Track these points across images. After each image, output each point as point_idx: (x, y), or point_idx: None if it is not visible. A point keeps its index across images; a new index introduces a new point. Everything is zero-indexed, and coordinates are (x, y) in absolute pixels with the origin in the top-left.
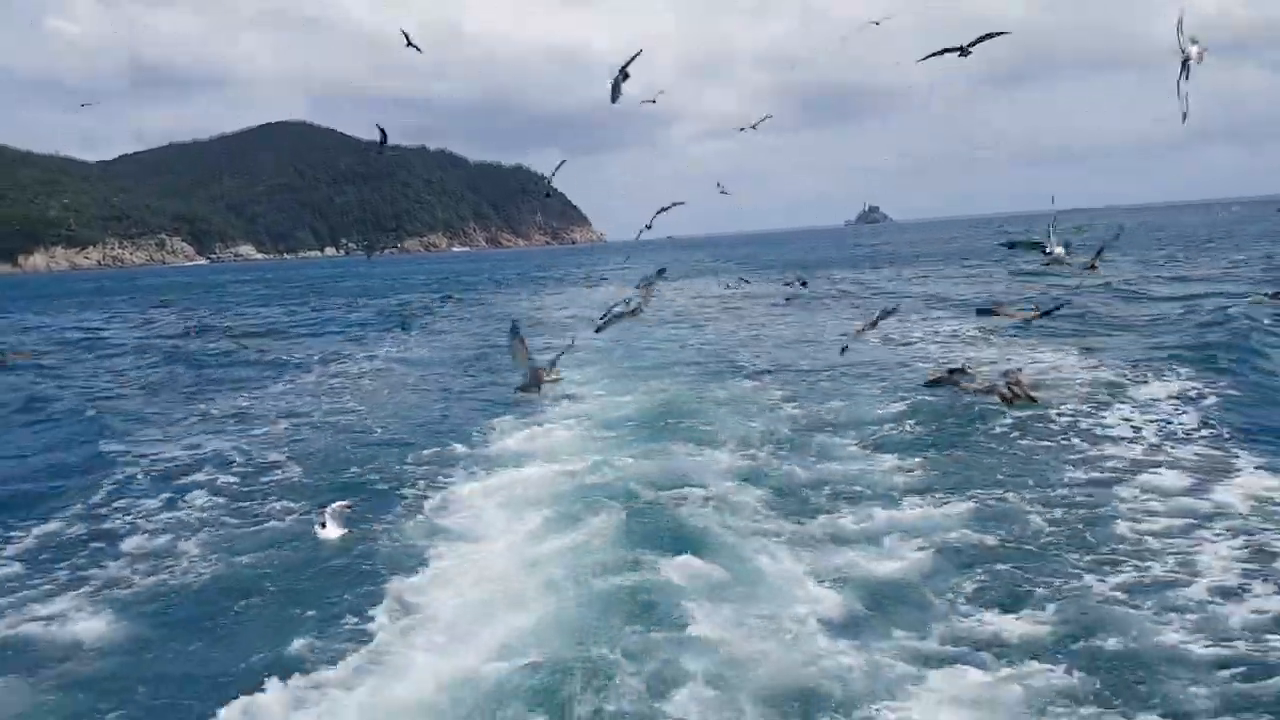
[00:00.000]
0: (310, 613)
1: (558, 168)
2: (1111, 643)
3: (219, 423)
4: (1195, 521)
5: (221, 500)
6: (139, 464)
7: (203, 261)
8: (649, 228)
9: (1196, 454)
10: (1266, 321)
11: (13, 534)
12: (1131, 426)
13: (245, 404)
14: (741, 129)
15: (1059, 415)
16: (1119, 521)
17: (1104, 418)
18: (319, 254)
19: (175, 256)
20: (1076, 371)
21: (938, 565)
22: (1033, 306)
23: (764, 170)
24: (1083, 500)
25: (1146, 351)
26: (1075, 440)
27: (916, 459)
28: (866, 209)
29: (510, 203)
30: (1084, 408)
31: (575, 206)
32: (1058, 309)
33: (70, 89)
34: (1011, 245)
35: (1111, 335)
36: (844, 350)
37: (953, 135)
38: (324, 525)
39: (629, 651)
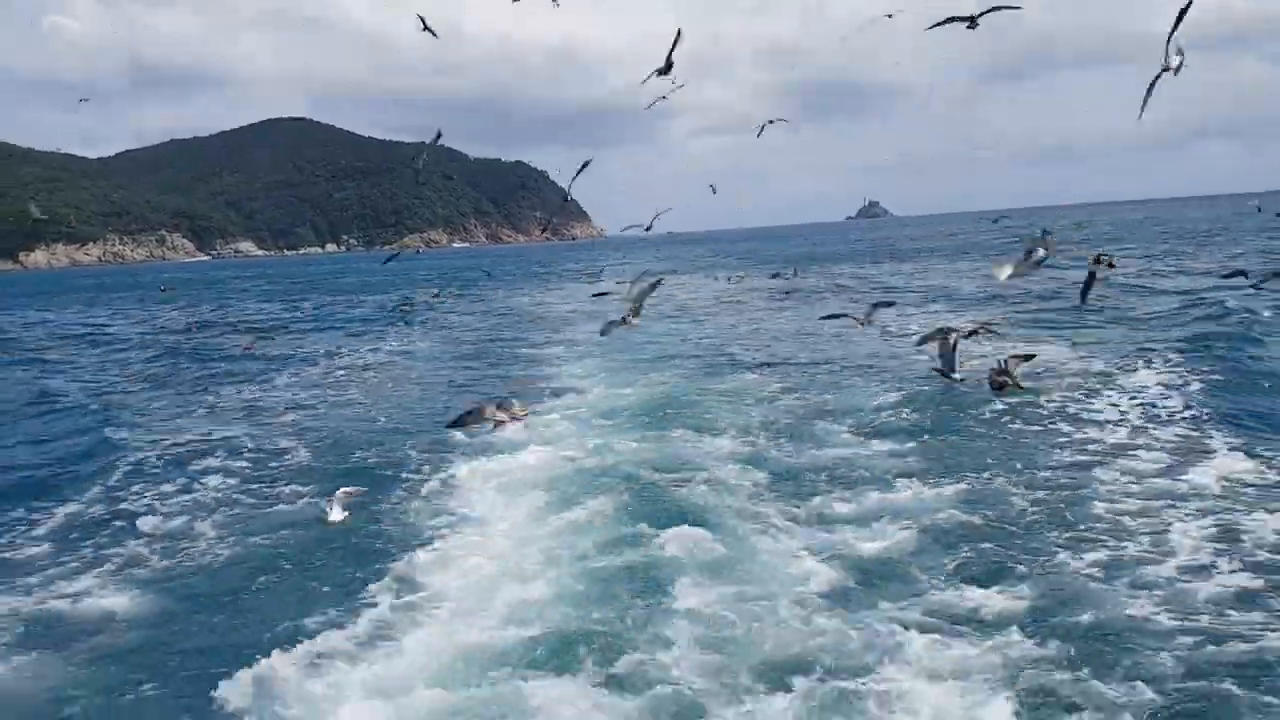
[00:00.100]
0: (323, 589)
1: (580, 170)
2: (1085, 615)
3: (228, 413)
4: (1169, 502)
5: (234, 484)
6: (152, 452)
7: (203, 258)
8: (647, 230)
9: (1176, 438)
10: (1266, 314)
11: (36, 516)
12: (1118, 412)
13: (252, 395)
14: (762, 126)
15: (1048, 402)
16: (1097, 502)
17: (1091, 404)
18: (319, 250)
19: (176, 253)
20: (1068, 361)
21: (925, 543)
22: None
23: (765, 166)
24: (1065, 482)
25: (1141, 342)
26: (1062, 425)
27: (909, 444)
28: (867, 204)
29: (510, 199)
30: (1073, 395)
31: (575, 202)
32: (987, 325)
33: (70, 87)
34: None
35: (1106, 327)
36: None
37: (953, 131)
38: (331, 509)
39: (628, 622)
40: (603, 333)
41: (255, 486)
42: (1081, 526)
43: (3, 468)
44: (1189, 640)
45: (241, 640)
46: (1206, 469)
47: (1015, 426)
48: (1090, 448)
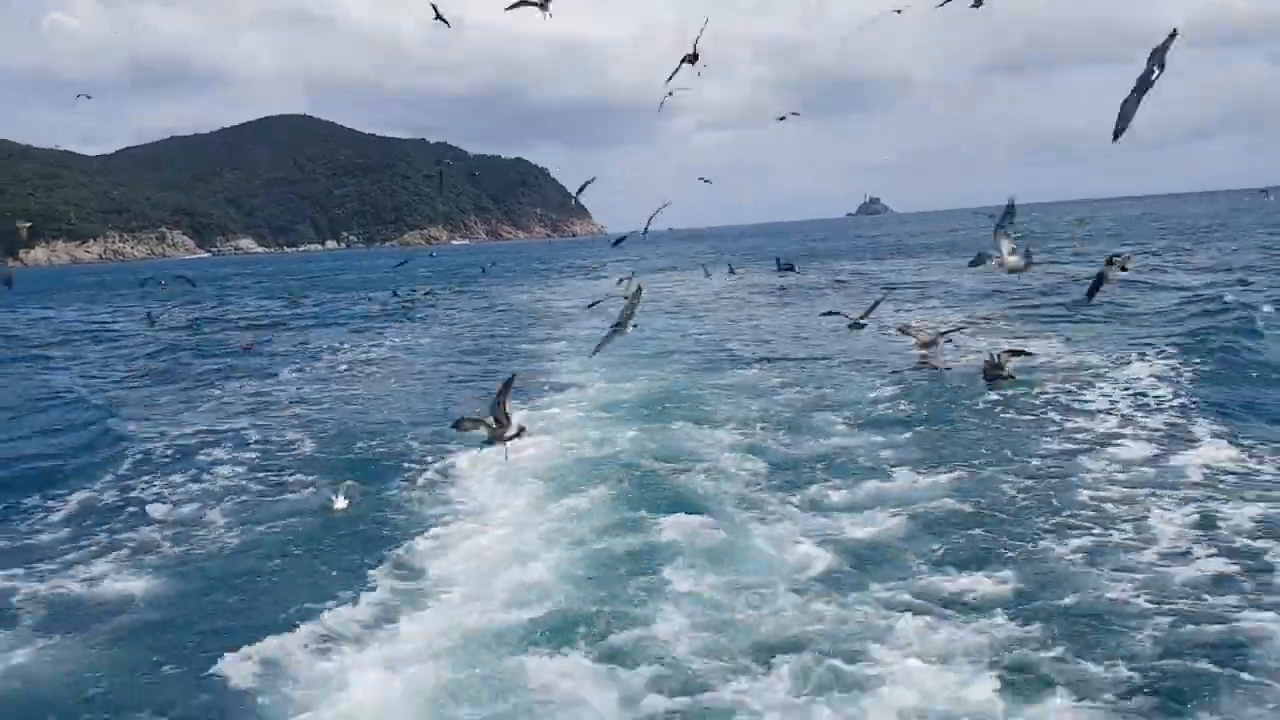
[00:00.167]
0: (331, 573)
1: (584, 186)
2: (1067, 598)
3: (233, 406)
4: (1153, 490)
5: (241, 473)
6: (160, 444)
7: (204, 255)
8: (645, 234)
9: (1164, 428)
10: (1267, 309)
11: (50, 504)
12: (1109, 403)
13: (256, 390)
14: (780, 118)
15: (1041, 394)
16: (1083, 490)
17: (1083, 395)
18: (319, 247)
19: (176, 250)
20: (1063, 355)
21: (916, 530)
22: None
23: (766, 163)
24: (1053, 470)
25: (1137, 336)
26: (1053, 415)
27: (904, 434)
28: (868, 200)
29: (511, 195)
30: (1066, 387)
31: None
32: (958, 330)
33: (70, 84)
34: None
35: (1103, 322)
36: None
37: (954, 127)
38: (337, 498)
39: (627, 604)
40: (593, 353)
41: (262, 475)
42: (1067, 513)
43: (14, 458)
44: (1166, 622)
45: (253, 622)
46: (1191, 458)
47: (1008, 417)
48: (1079, 437)
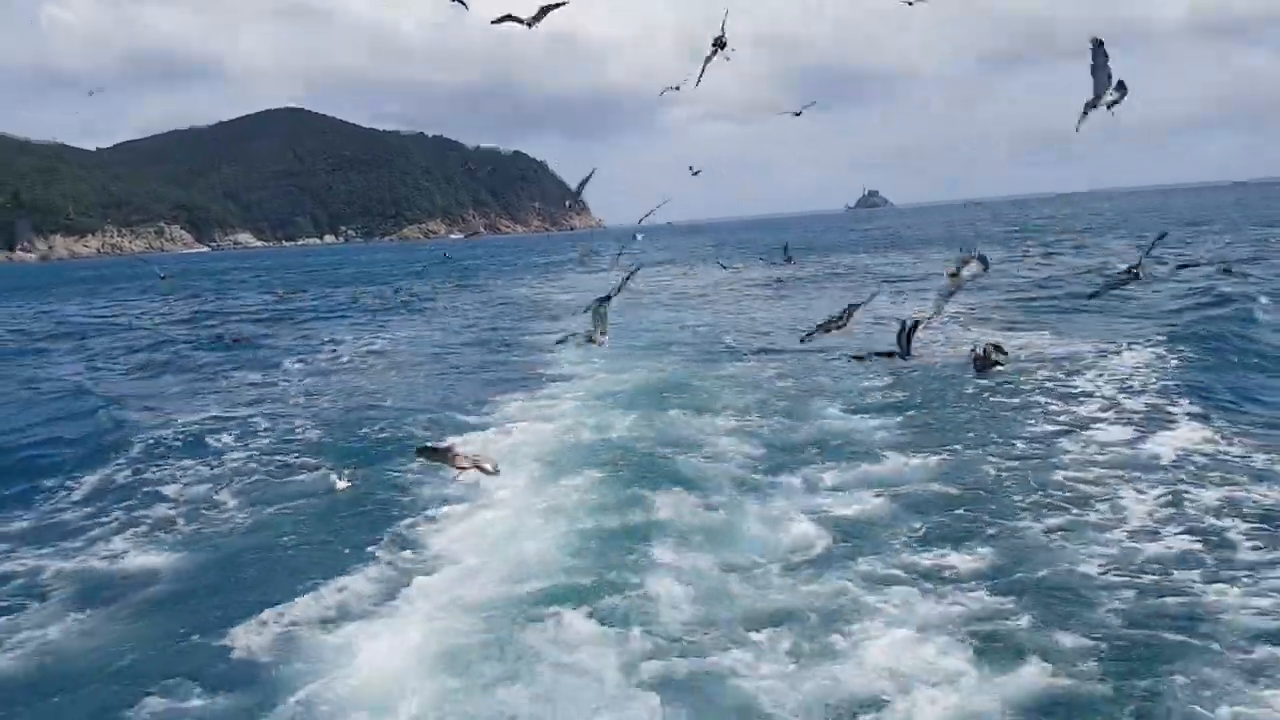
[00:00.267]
0: (340, 550)
1: (585, 180)
2: (1041, 573)
3: (238, 396)
4: (1127, 472)
5: (249, 457)
6: (168, 430)
7: (203, 249)
8: (638, 237)
9: (1144, 413)
10: (1264, 300)
11: (69, 485)
12: (1095, 390)
13: (260, 380)
14: (796, 113)
15: (1029, 381)
16: (1062, 471)
17: (1070, 382)
18: (318, 241)
19: (174, 244)
20: (1053, 344)
21: (902, 509)
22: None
23: (765, 156)
24: (1035, 453)
25: (1128, 326)
26: (1039, 401)
27: (896, 419)
28: (866, 194)
29: (509, 189)
30: (1055, 374)
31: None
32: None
33: (68, 79)
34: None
35: (1095, 313)
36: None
37: (953, 119)
38: (340, 480)
39: (623, 575)
40: (559, 342)
41: (269, 459)
42: (1045, 493)
43: (29, 444)
44: (1131, 595)
45: (267, 595)
46: (1167, 441)
47: (996, 402)
48: (1063, 421)
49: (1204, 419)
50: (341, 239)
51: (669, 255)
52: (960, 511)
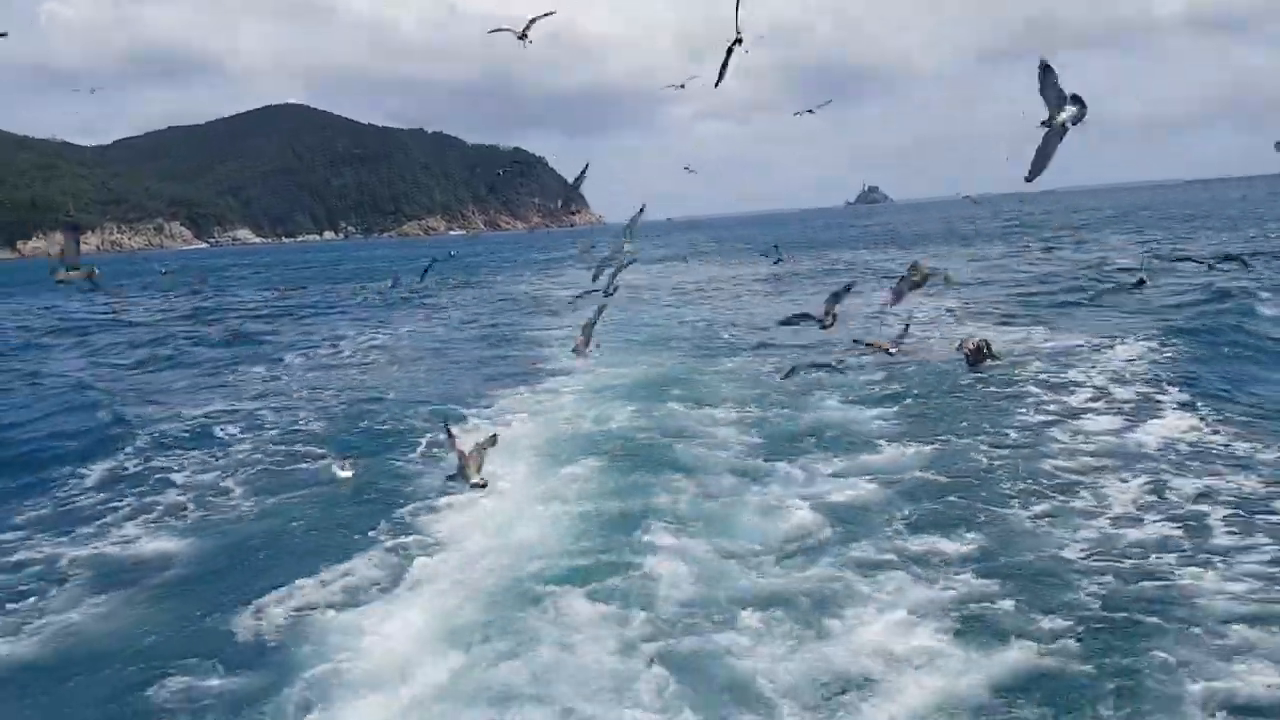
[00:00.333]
0: (349, 534)
1: (582, 173)
2: (1026, 557)
3: (242, 390)
4: (1112, 460)
5: (255, 447)
6: (175, 423)
7: (202, 245)
8: (630, 243)
9: (1133, 403)
10: (1265, 294)
11: (80, 474)
12: (1086, 381)
13: (265, 374)
14: (810, 110)
15: (1021, 373)
16: (1050, 460)
17: (1062, 374)
18: (317, 238)
19: (174, 241)
20: (1049, 338)
21: (894, 497)
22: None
23: (765, 152)
24: (1025, 442)
25: (1126, 321)
26: (1031, 393)
27: (892, 410)
28: (866, 189)
29: (508, 185)
30: (1049, 366)
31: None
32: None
33: (68, 75)
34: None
35: (1091, 306)
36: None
37: (953, 114)
38: (342, 468)
39: (622, 557)
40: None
41: (275, 449)
42: (1034, 482)
43: (37, 437)
44: (1112, 579)
45: (277, 579)
46: (1153, 431)
47: (989, 393)
48: (1054, 411)
49: (1191, 409)
50: (341, 235)
51: (669, 252)
52: (951, 499)
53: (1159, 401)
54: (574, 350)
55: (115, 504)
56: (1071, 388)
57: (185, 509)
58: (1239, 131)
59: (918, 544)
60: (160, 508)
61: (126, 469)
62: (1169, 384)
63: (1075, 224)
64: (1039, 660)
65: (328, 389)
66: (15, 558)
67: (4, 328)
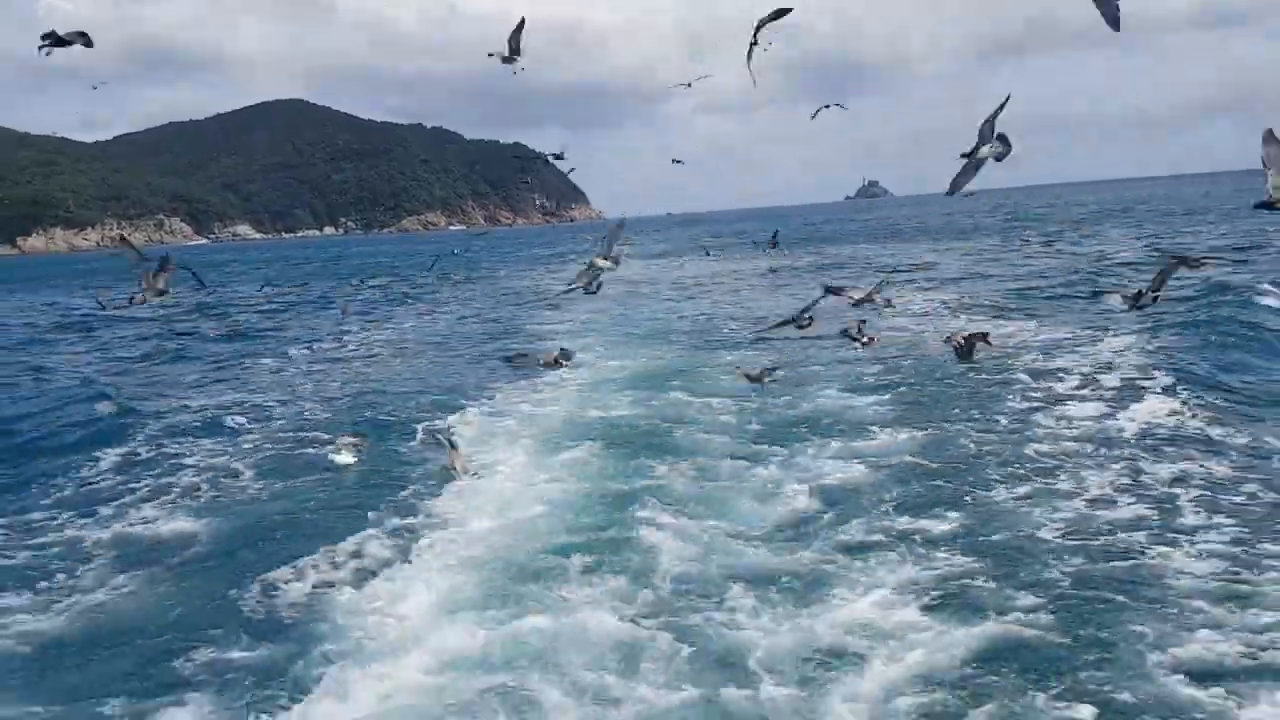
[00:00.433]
0: (356, 515)
1: (557, 157)
2: (1005, 536)
3: (250, 383)
4: (1093, 445)
5: (264, 435)
6: (185, 415)
7: (202, 241)
8: (625, 246)
9: (1116, 391)
10: (1265, 285)
11: (96, 456)
12: (1074, 369)
13: (271, 367)
14: (826, 106)
15: (1014, 362)
16: (1035, 445)
17: (1052, 364)
18: (317, 233)
19: (174, 236)
20: (1041, 331)
21: (886, 480)
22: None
23: (764, 147)
24: (1011, 428)
25: (1118, 314)
26: (1022, 379)
27: (886, 398)
28: (866, 184)
29: (509, 180)
30: (1040, 357)
31: (574, 185)
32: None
33: (68, 71)
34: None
35: (1086, 299)
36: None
37: (954, 109)
38: (340, 453)
39: (622, 536)
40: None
41: (284, 436)
42: (1015, 466)
43: (50, 426)
44: (1085, 557)
45: (291, 557)
46: (1135, 416)
47: (981, 381)
48: (1040, 398)
49: (1173, 394)
50: (341, 231)
51: (668, 246)
52: (938, 482)
53: (1143, 388)
54: (541, 364)
55: (133, 486)
56: (1061, 375)
57: (200, 491)
58: (1229, 127)
59: (904, 525)
60: (176, 489)
61: (140, 455)
62: (1156, 370)
63: (1074, 218)
64: (1015, 633)
65: (334, 381)
66: (42, 539)
67: (9, 324)
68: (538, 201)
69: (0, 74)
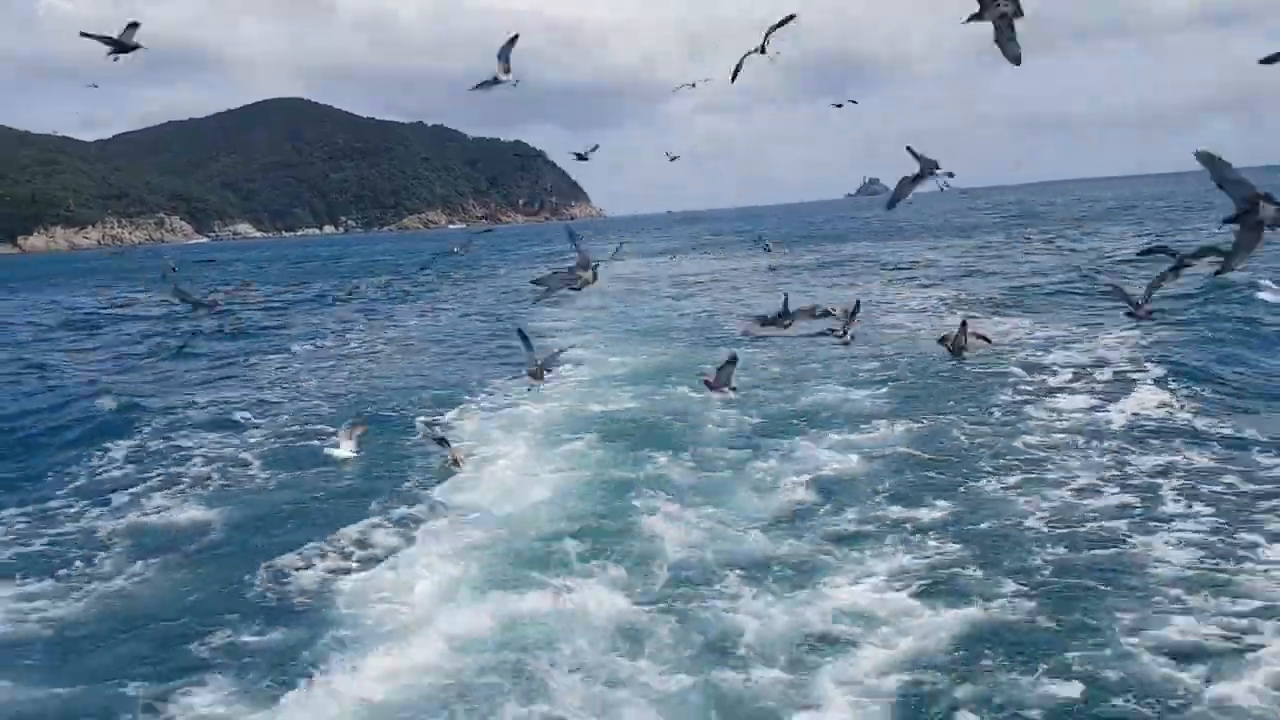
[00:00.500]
0: (362, 504)
1: (535, 154)
2: (992, 524)
3: (255, 379)
4: (1081, 437)
5: (269, 428)
6: (192, 410)
7: (202, 240)
8: (586, 272)
9: (1107, 384)
10: (1265, 280)
11: (107, 448)
12: (1068, 364)
13: (275, 364)
14: (837, 105)
15: (1009, 358)
16: (1025, 437)
17: (1045, 360)
18: (317, 232)
19: (174, 235)
20: (1037, 327)
21: (880, 471)
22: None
23: (766, 145)
24: (1004, 420)
25: (1113, 310)
26: (1015, 373)
27: (882, 392)
28: (867, 181)
29: (509, 178)
30: (1034, 352)
31: (575, 183)
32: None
33: (67, 70)
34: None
35: (1084, 295)
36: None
37: (953, 107)
38: (341, 443)
39: (621, 524)
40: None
41: (289, 429)
42: (1006, 457)
43: (59, 420)
44: (1069, 544)
45: (301, 544)
46: (1125, 409)
47: (976, 375)
48: (1032, 392)
49: (1164, 386)
50: (341, 229)
51: (668, 245)
52: (931, 473)
53: (1135, 381)
54: (527, 373)
55: (145, 477)
56: (1055, 369)
57: (210, 481)
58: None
59: (897, 514)
60: (187, 480)
61: (150, 447)
62: (1149, 363)
63: (1074, 215)
64: (1001, 617)
65: (337, 377)
66: (60, 529)
67: (14, 322)
68: (541, 200)
69: (0, 74)
